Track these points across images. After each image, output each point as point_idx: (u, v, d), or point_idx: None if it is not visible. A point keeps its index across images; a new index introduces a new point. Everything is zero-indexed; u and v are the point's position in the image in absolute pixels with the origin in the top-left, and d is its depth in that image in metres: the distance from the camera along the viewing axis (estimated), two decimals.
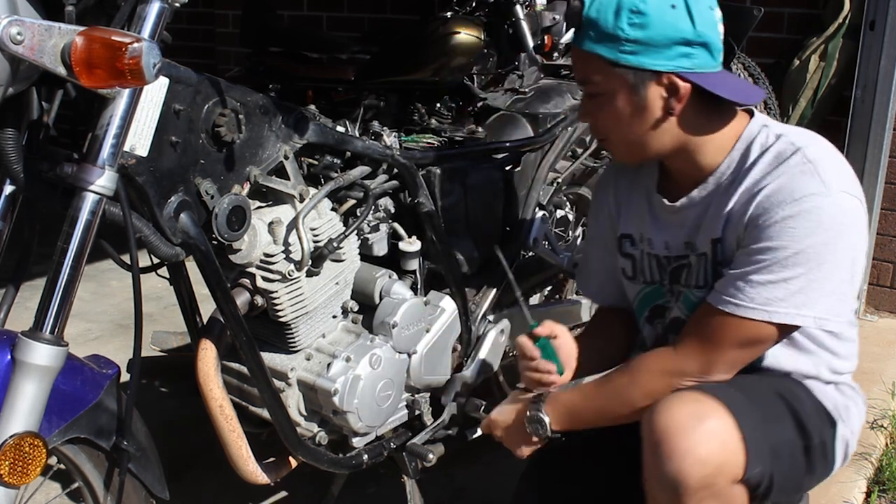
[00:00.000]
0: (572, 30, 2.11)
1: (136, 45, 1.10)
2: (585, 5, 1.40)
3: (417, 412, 1.87)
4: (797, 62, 3.37)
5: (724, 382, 1.44)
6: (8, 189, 1.36)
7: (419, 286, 1.87)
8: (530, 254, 2.18)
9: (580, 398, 1.53)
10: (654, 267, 1.60)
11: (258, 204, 1.59)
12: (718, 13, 1.41)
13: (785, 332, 1.40)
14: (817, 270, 1.34)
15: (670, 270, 1.56)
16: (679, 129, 1.44)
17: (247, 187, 1.51)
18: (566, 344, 1.60)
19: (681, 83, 1.38)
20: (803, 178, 1.35)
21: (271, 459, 1.68)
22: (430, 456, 1.81)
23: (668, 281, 1.57)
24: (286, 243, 1.56)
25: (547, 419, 1.53)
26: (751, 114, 1.49)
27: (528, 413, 1.55)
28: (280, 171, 1.58)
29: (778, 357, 1.48)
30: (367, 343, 1.70)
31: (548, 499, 1.70)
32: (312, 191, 1.60)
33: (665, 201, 1.54)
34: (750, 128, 1.46)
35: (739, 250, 1.41)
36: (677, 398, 1.37)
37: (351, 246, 1.71)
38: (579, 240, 2.46)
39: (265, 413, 1.63)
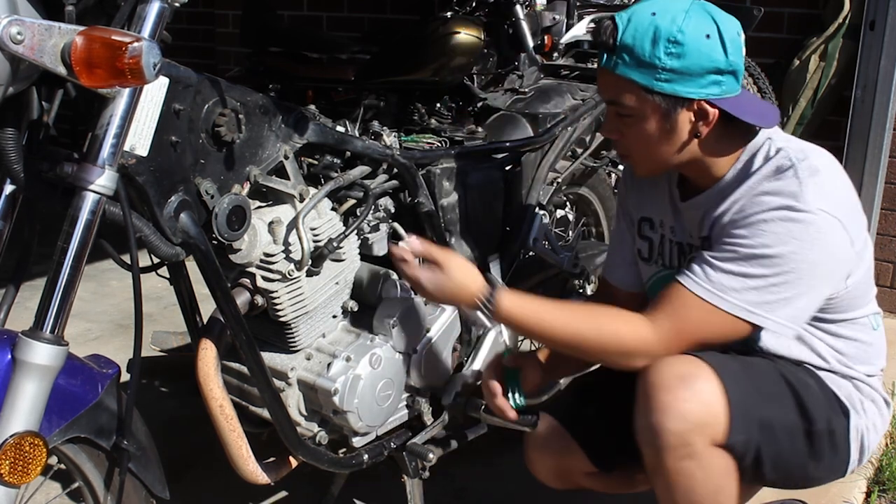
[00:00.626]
0: (573, 31, 2.11)
1: (136, 44, 1.10)
2: (620, 30, 1.41)
3: (417, 412, 1.87)
4: (797, 62, 3.37)
5: (726, 354, 1.48)
6: (8, 189, 1.36)
7: None
8: (530, 254, 2.18)
9: (537, 303, 1.52)
10: (675, 253, 1.66)
11: (258, 204, 1.59)
12: (743, 37, 1.45)
13: (737, 326, 1.42)
14: (778, 277, 1.39)
15: (689, 258, 1.61)
16: (699, 149, 1.49)
17: (247, 187, 1.51)
18: (532, 375, 1.67)
19: (710, 109, 1.44)
20: (788, 190, 1.40)
21: (271, 459, 1.68)
22: (430, 456, 1.81)
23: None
24: (286, 243, 1.56)
25: (503, 300, 1.50)
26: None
27: (481, 289, 1.51)
28: (280, 171, 1.58)
29: (774, 342, 1.52)
30: (367, 343, 1.70)
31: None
32: (312, 191, 1.60)
33: (678, 195, 1.61)
34: (756, 140, 1.50)
35: (716, 243, 1.47)
36: (672, 359, 1.43)
37: (351, 246, 1.71)
38: (579, 239, 2.47)
39: (265, 413, 1.63)
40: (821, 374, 1.54)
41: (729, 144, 1.50)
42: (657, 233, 1.69)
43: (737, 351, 1.51)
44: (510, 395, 1.66)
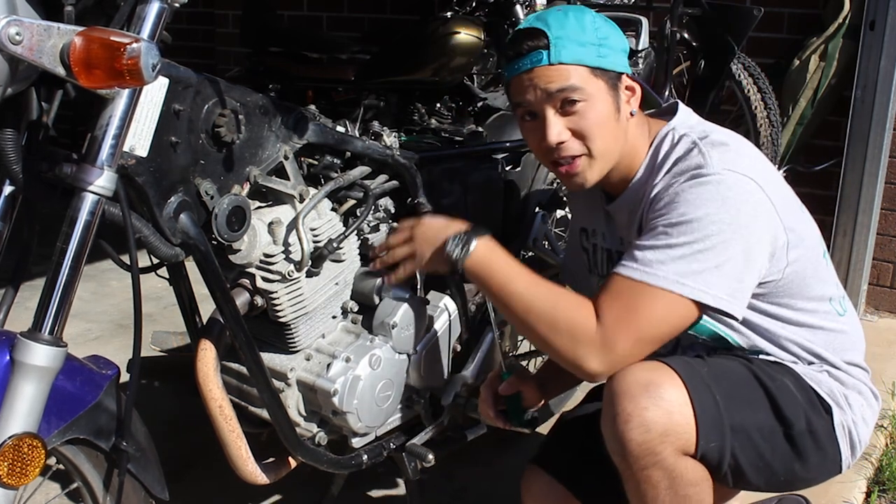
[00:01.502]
0: None
1: (134, 45, 1.10)
2: (543, 27, 1.47)
3: (417, 413, 1.87)
4: (797, 62, 3.37)
5: (697, 359, 1.48)
6: (8, 189, 1.36)
7: (419, 286, 1.87)
8: (530, 254, 2.18)
9: (513, 267, 1.49)
10: (604, 260, 1.68)
11: (258, 204, 1.59)
12: None
13: (678, 306, 1.38)
14: (700, 242, 1.38)
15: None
16: (630, 134, 1.55)
17: (247, 187, 1.51)
18: (531, 396, 1.69)
19: (634, 84, 1.54)
20: (694, 163, 1.44)
21: (271, 459, 1.68)
22: (430, 456, 1.81)
23: None
24: (286, 243, 1.56)
25: (472, 246, 1.49)
26: (673, 112, 1.58)
27: (460, 231, 1.52)
28: (280, 172, 1.58)
29: (747, 341, 1.53)
30: (366, 343, 1.70)
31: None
32: (312, 191, 1.60)
33: (605, 200, 1.64)
34: (659, 133, 1.56)
35: (639, 234, 1.48)
36: (637, 366, 1.40)
37: (351, 246, 1.71)
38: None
39: (265, 413, 1.63)
40: (797, 369, 1.52)
41: (642, 132, 1.56)
42: (590, 243, 1.72)
43: (715, 353, 1.51)
44: (510, 419, 1.68)
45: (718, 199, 1.38)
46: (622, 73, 1.51)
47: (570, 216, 1.84)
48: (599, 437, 1.44)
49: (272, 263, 1.55)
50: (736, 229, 1.38)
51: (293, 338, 1.66)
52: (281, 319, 1.61)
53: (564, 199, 2.38)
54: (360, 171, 1.73)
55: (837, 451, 1.52)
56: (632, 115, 1.54)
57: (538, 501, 1.71)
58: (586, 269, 1.76)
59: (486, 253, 1.50)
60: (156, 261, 1.48)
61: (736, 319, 1.43)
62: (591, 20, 1.49)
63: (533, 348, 2.54)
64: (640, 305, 1.38)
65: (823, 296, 1.57)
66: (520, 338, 2.28)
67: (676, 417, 1.36)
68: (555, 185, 2.19)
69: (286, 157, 1.56)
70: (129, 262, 1.30)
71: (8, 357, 1.20)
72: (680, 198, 1.41)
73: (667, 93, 2.85)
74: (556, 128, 1.49)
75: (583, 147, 1.50)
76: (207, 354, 1.52)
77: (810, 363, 1.55)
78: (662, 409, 1.36)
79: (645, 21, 2.54)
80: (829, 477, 1.56)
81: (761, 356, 1.54)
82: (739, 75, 3.15)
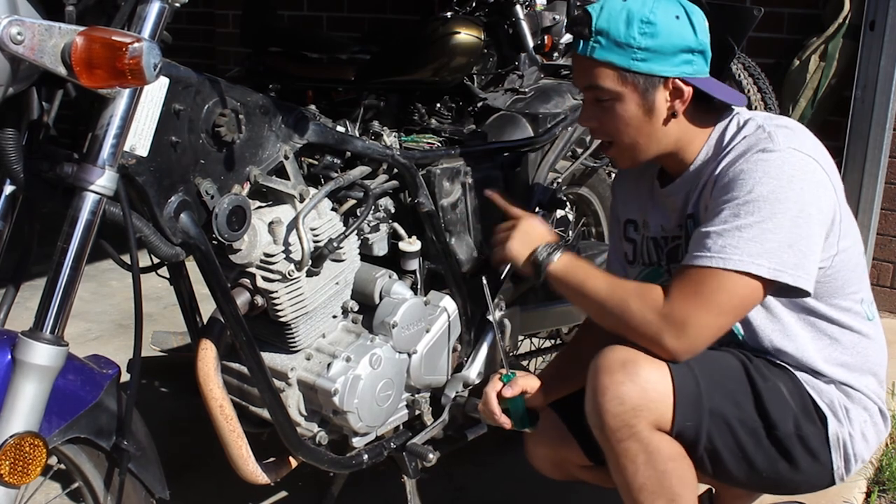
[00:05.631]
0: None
1: (136, 45, 1.10)
2: (593, 17, 1.47)
3: (417, 412, 1.87)
4: (797, 62, 3.37)
5: None
6: (8, 189, 1.36)
7: (419, 286, 1.87)
8: None
9: (589, 270, 1.56)
10: (651, 249, 1.69)
11: (258, 204, 1.59)
12: (707, 24, 1.52)
13: (751, 287, 1.40)
14: (770, 220, 1.39)
15: (667, 251, 1.65)
16: (676, 130, 1.53)
17: (247, 187, 1.51)
18: (534, 398, 1.69)
19: (685, 87, 1.49)
20: (756, 141, 1.45)
21: (271, 459, 1.68)
22: (430, 456, 1.81)
23: (666, 261, 1.66)
24: (286, 243, 1.56)
25: (556, 257, 1.58)
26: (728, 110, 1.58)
27: (550, 242, 1.62)
28: (280, 171, 1.58)
29: (758, 336, 1.54)
30: (367, 343, 1.70)
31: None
32: (312, 191, 1.60)
33: (658, 185, 1.65)
34: (723, 119, 1.56)
35: (704, 215, 1.49)
36: (620, 346, 1.46)
37: (351, 246, 1.71)
38: (579, 239, 2.47)
39: (265, 413, 1.63)
40: (800, 376, 1.52)
41: (701, 125, 1.54)
42: (640, 234, 1.72)
43: (721, 343, 1.50)
44: (514, 421, 1.68)
45: (785, 176, 1.40)
46: (665, 77, 1.47)
47: (612, 208, 1.85)
48: None
49: (272, 263, 1.56)
50: (803, 207, 1.40)
51: (294, 337, 1.66)
52: (281, 319, 1.61)
53: (565, 199, 2.38)
54: (360, 171, 1.73)
55: (830, 462, 1.52)
56: (674, 116, 1.51)
57: (540, 435, 1.74)
58: (624, 259, 1.76)
59: (567, 261, 1.58)
60: (156, 260, 1.48)
61: (808, 295, 1.44)
62: (646, 19, 1.44)
63: (533, 348, 2.55)
64: (716, 289, 1.40)
65: (858, 295, 1.57)
66: (520, 338, 2.28)
67: (651, 394, 1.41)
68: (555, 185, 2.19)
69: (286, 157, 1.57)
70: (129, 262, 1.30)
71: (9, 356, 1.20)
72: (746, 175, 1.41)
73: None
74: (587, 113, 1.56)
75: (609, 137, 1.56)
76: (208, 354, 1.52)
77: (821, 373, 1.53)
78: (638, 385, 1.41)
79: None
80: (821, 485, 1.56)
81: (768, 357, 1.54)
82: (739, 75, 3.15)
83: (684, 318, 1.41)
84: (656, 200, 1.66)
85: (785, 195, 1.39)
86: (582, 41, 1.49)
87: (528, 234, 1.64)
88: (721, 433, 1.45)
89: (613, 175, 2.56)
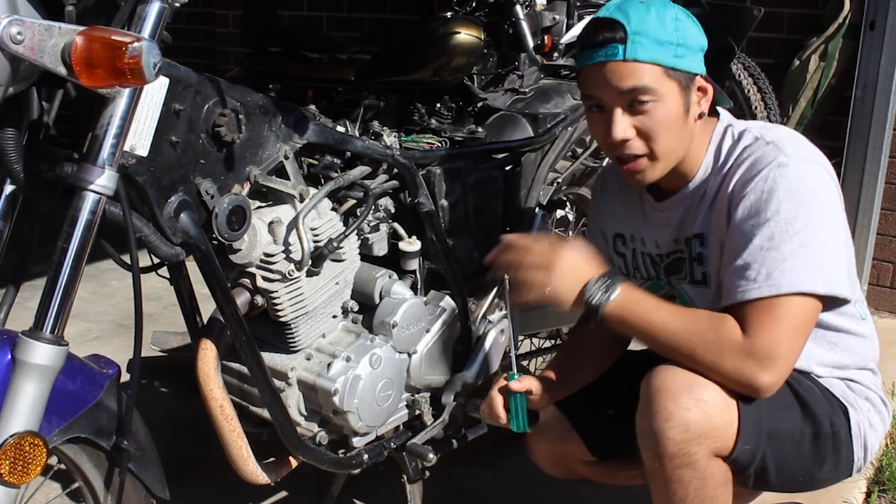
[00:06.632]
0: (573, 31, 2.09)
1: (136, 44, 1.10)
2: (623, 19, 1.42)
3: (417, 412, 1.87)
4: (797, 62, 3.37)
5: None
6: (8, 189, 1.36)
7: (419, 286, 1.87)
8: None
9: (649, 303, 1.45)
10: (648, 264, 1.66)
11: (258, 204, 1.59)
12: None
13: (810, 306, 1.39)
14: (805, 235, 1.37)
15: (664, 266, 1.63)
16: (691, 135, 1.51)
17: (247, 187, 1.51)
18: (538, 399, 1.64)
19: (707, 85, 1.49)
20: (763, 154, 1.43)
21: (271, 459, 1.68)
22: (430, 456, 1.81)
23: (665, 275, 1.64)
24: (286, 243, 1.56)
25: (614, 295, 1.43)
26: (716, 114, 1.57)
27: (602, 274, 1.45)
28: (280, 171, 1.58)
29: None
30: (367, 343, 1.70)
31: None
32: (312, 191, 1.60)
33: (652, 199, 1.62)
34: (717, 130, 1.54)
35: (730, 241, 1.44)
36: (676, 366, 1.40)
37: (351, 246, 1.71)
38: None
39: (265, 413, 1.63)
40: (814, 374, 1.53)
41: (703, 132, 1.53)
42: (629, 248, 1.70)
43: None
44: (514, 421, 1.65)
45: (807, 190, 1.39)
46: (696, 74, 1.47)
47: (590, 220, 1.80)
48: (612, 389, 1.48)
49: (272, 263, 1.56)
50: (831, 217, 1.41)
51: (294, 337, 1.66)
52: (281, 319, 1.61)
53: (565, 199, 2.38)
54: (360, 171, 1.73)
55: (851, 451, 1.52)
56: (700, 116, 1.50)
57: (542, 431, 1.72)
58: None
59: (626, 297, 1.44)
60: (156, 260, 1.48)
61: (848, 302, 1.45)
62: (673, 17, 1.44)
63: (533, 348, 2.55)
64: (785, 316, 1.37)
65: (853, 293, 1.56)
66: (520, 338, 2.28)
67: (716, 420, 1.36)
68: (555, 185, 2.19)
69: (286, 157, 1.57)
70: (129, 262, 1.30)
71: (9, 356, 1.20)
72: (768, 194, 1.39)
73: None
74: (622, 125, 1.46)
75: (645, 147, 1.47)
76: (208, 354, 1.52)
77: (826, 373, 1.54)
78: (703, 411, 1.36)
79: None
80: (840, 480, 1.57)
81: None
82: (739, 75, 3.15)
83: (771, 351, 1.36)
84: (648, 215, 1.63)
85: (810, 209, 1.38)
86: (619, 47, 1.41)
87: (573, 269, 1.46)
88: (773, 452, 1.43)
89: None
